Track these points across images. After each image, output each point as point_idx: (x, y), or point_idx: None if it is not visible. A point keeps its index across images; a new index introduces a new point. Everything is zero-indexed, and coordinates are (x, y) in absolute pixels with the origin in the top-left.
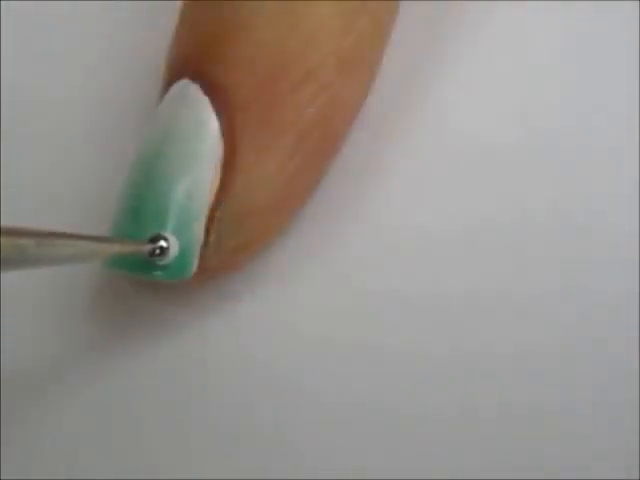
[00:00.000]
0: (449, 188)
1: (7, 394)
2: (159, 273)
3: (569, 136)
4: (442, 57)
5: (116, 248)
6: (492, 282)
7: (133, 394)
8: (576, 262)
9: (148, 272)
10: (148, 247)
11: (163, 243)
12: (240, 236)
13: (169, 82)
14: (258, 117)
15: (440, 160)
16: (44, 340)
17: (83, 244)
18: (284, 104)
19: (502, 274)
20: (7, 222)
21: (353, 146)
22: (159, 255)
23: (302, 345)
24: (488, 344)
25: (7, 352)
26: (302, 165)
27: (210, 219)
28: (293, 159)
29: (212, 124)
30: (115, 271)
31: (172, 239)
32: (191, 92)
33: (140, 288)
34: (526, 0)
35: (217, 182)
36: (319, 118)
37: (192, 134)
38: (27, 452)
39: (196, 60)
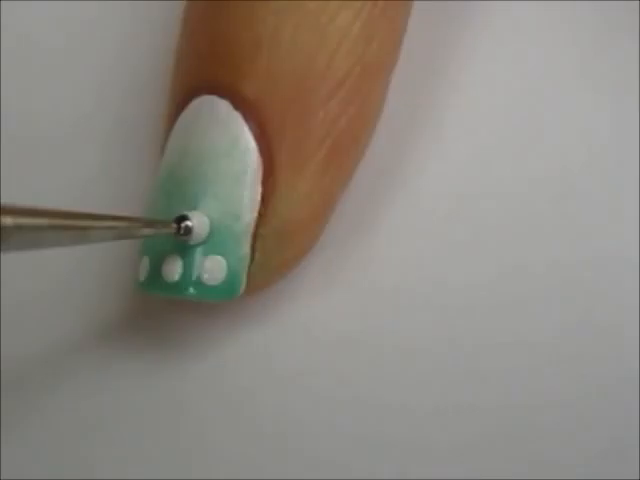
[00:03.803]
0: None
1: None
2: (208, 295)
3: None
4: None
5: (143, 230)
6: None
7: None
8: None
9: (197, 295)
10: (174, 227)
11: (188, 223)
12: (284, 252)
13: (186, 97)
14: (292, 132)
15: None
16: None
17: (109, 224)
18: (317, 118)
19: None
20: None
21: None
22: (184, 235)
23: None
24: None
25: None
26: (335, 176)
27: (254, 237)
28: (328, 171)
29: (249, 141)
30: (160, 294)
31: (198, 218)
32: (222, 108)
33: (170, 305)
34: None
35: (258, 199)
36: (349, 128)
37: (230, 152)
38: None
39: (223, 76)
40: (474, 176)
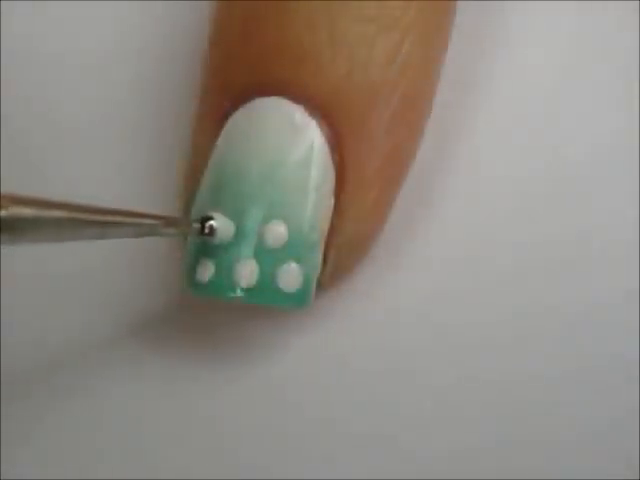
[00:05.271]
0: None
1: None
2: (282, 302)
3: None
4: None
5: (165, 229)
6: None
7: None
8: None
9: (269, 302)
10: (197, 226)
11: (213, 223)
12: (352, 262)
13: (243, 94)
14: (361, 144)
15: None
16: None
17: (129, 220)
18: (382, 129)
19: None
20: None
21: None
22: (208, 235)
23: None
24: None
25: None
26: (396, 185)
27: (328, 247)
28: (390, 181)
29: (324, 150)
30: (227, 299)
31: (222, 219)
32: (297, 115)
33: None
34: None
35: (332, 209)
36: (408, 140)
37: (306, 162)
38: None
39: (298, 79)
40: (475, 176)
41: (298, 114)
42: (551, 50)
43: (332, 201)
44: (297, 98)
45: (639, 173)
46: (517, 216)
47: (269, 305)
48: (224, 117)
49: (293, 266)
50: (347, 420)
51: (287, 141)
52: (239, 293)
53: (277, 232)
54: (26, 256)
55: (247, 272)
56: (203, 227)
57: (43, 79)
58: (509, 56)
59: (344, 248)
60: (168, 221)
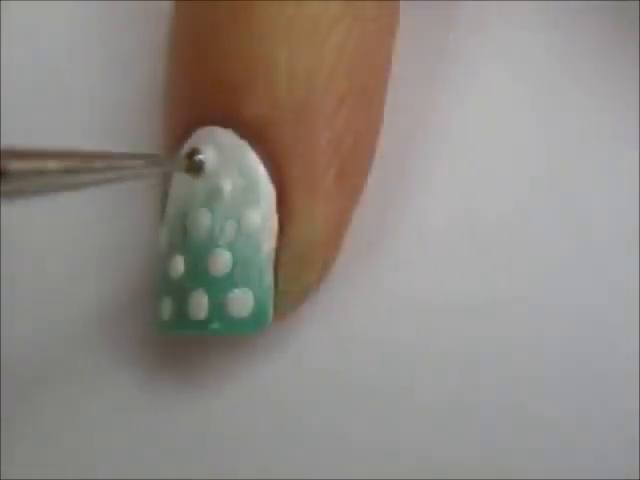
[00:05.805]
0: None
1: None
2: (236, 329)
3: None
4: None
5: (150, 169)
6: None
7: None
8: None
9: (225, 331)
10: (184, 162)
11: (200, 156)
12: (304, 278)
13: (185, 131)
14: (301, 155)
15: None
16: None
17: (111, 163)
18: (324, 137)
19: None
20: None
21: None
22: (197, 170)
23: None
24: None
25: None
26: (348, 194)
27: (276, 266)
28: (340, 190)
29: (258, 170)
30: (185, 334)
31: (208, 149)
32: (226, 139)
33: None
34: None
35: (275, 227)
36: (356, 144)
37: (243, 184)
38: None
39: (222, 105)
40: (472, 176)
41: (227, 138)
42: (551, 50)
43: (275, 219)
44: (226, 124)
45: (639, 173)
46: (516, 217)
47: (225, 334)
48: (187, 133)
49: (242, 291)
50: (347, 420)
51: (222, 167)
52: (194, 328)
53: (221, 260)
54: (26, 256)
55: (197, 304)
56: (191, 162)
57: (43, 79)
58: (507, 57)
59: (291, 265)
60: (152, 160)
